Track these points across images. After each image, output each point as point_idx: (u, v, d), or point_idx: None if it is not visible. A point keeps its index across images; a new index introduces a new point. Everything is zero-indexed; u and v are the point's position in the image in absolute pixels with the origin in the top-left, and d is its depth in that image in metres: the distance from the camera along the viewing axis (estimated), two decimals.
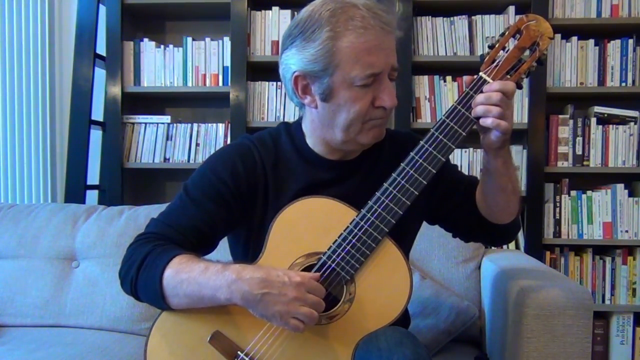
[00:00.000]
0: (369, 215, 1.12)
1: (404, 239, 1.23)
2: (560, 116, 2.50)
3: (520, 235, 2.45)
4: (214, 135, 2.56)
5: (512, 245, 2.41)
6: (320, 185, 1.22)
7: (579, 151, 2.48)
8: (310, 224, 1.16)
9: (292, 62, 1.17)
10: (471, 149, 2.47)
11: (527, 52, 1.15)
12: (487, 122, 1.10)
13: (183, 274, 1.09)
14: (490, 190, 1.23)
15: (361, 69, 1.12)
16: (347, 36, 1.11)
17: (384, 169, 1.17)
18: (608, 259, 2.49)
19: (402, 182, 1.13)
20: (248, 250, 1.26)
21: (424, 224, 1.40)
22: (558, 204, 2.49)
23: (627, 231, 2.46)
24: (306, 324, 1.06)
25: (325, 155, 1.25)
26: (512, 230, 1.35)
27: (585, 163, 2.48)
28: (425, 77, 2.51)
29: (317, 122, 1.22)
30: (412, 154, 1.13)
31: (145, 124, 2.58)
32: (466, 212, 1.31)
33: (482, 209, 1.29)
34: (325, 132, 1.21)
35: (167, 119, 2.58)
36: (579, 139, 2.48)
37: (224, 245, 1.31)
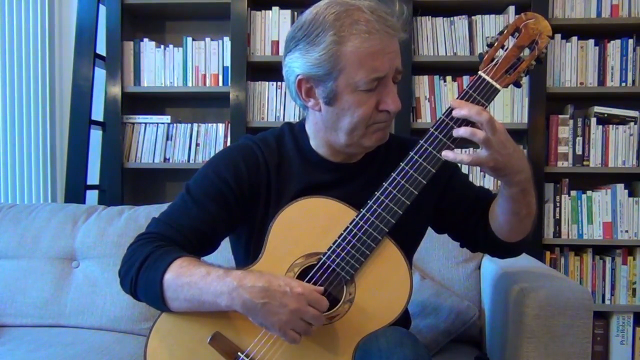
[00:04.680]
0: (368, 215, 1.12)
1: (409, 242, 1.23)
2: (560, 116, 2.50)
3: None
4: (214, 135, 2.56)
5: None
6: (321, 187, 1.22)
7: (579, 151, 2.48)
8: (310, 224, 1.16)
9: (295, 65, 1.16)
10: (471, 149, 2.47)
11: (526, 51, 1.15)
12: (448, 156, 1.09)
13: (184, 278, 1.09)
14: (503, 211, 1.21)
15: (365, 74, 1.11)
16: (351, 41, 1.10)
17: (388, 174, 1.15)
18: (608, 259, 2.49)
19: (402, 181, 1.12)
20: (249, 250, 1.26)
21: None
22: (558, 204, 2.49)
23: (627, 231, 2.46)
24: (303, 336, 1.06)
25: (328, 157, 1.25)
26: (520, 248, 1.32)
27: (585, 163, 2.48)
28: (425, 77, 2.51)
29: (320, 125, 1.21)
30: (411, 153, 1.13)
31: (145, 124, 2.58)
32: (473, 224, 1.30)
33: (493, 224, 1.27)
34: (329, 135, 1.21)
35: (167, 119, 2.58)
36: (579, 139, 2.48)
37: (225, 245, 1.31)
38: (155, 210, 1.94)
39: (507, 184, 1.13)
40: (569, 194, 2.49)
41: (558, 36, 2.47)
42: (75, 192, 2.53)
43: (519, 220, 1.21)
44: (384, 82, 1.14)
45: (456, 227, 1.35)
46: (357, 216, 1.13)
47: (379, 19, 1.11)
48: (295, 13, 2.52)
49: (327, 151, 1.24)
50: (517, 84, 1.16)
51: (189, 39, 2.56)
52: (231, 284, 1.06)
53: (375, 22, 1.10)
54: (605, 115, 2.49)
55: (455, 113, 1.09)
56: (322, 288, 1.09)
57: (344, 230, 1.13)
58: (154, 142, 2.57)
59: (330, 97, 1.15)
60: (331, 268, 1.12)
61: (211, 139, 2.56)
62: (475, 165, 1.09)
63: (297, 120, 1.32)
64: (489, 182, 2.45)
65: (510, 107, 2.48)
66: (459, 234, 1.36)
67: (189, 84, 2.56)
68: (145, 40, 2.58)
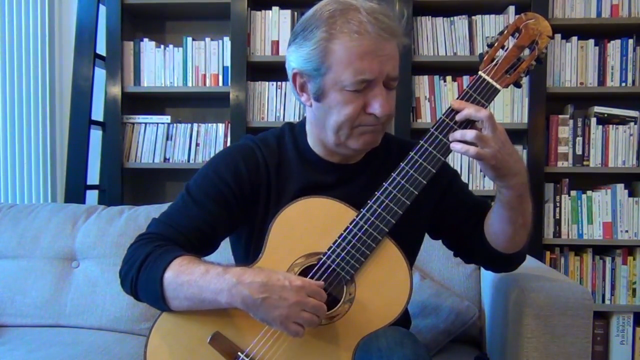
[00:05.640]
0: (368, 215, 1.12)
1: (409, 243, 1.22)
2: (560, 116, 2.50)
3: None
4: (214, 135, 2.56)
5: None
6: (321, 187, 1.22)
7: (579, 151, 2.48)
8: (310, 224, 1.16)
9: (292, 58, 1.18)
10: None
11: (526, 51, 1.15)
12: (456, 147, 1.10)
13: (184, 277, 1.09)
14: (499, 219, 1.21)
15: (352, 74, 1.11)
16: (340, 39, 1.11)
17: (388, 174, 1.15)
18: (608, 259, 2.49)
19: (402, 182, 1.13)
20: (249, 250, 1.26)
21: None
22: (558, 204, 2.49)
23: (627, 231, 2.46)
24: (307, 329, 1.06)
25: (325, 157, 1.25)
26: (514, 261, 1.33)
27: (585, 163, 2.48)
28: (425, 77, 2.51)
29: (313, 121, 1.22)
30: (411, 153, 1.13)
31: (145, 124, 2.58)
32: (469, 233, 1.30)
33: (488, 234, 1.27)
34: (320, 132, 1.21)
35: (167, 119, 2.58)
36: (579, 139, 2.48)
37: (225, 245, 1.31)
38: (155, 210, 1.94)
39: (505, 187, 1.14)
40: (569, 194, 2.49)
41: (558, 36, 2.47)
42: (75, 192, 2.53)
43: (514, 230, 1.21)
44: (372, 85, 1.12)
45: (452, 231, 1.34)
46: (357, 216, 1.13)
47: (374, 20, 1.10)
48: (295, 13, 2.52)
49: (323, 150, 1.24)
50: (517, 84, 1.16)
51: (189, 39, 2.56)
52: (230, 281, 1.06)
53: (369, 23, 1.09)
54: (605, 115, 2.49)
55: (457, 117, 1.10)
56: (322, 282, 1.09)
57: (344, 230, 1.13)
58: (154, 142, 2.57)
59: (319, 94, 1.15)
60: (331, 268, 1.12)
61: (211, 139, 2.56)
62: (479, 159, 1.08)
63: (298, 120, 1.32)
64: (489, 184, 2.44)
65: (510, 107, 2.48)
66: (454, 241, 1.36)
67: (189, 84, 2.56)
68: (145, 40, 2.58)
